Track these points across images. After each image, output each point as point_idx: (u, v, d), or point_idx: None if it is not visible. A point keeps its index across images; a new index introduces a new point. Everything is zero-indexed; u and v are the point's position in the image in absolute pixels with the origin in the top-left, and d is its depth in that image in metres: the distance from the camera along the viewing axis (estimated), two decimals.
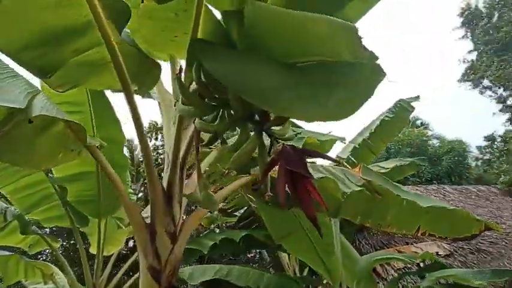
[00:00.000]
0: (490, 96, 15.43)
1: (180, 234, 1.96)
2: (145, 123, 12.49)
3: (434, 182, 11.79)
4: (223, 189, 2.32)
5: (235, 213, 5.35)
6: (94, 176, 3.48)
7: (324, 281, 4.71)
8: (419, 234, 3.18)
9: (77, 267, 6.48)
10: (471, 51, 16.03)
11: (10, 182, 3.36)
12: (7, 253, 3.74)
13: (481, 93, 15.63)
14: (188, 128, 2.09)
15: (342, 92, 1.05)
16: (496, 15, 14.67)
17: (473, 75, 15.08)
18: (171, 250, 1.86)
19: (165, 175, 2.10)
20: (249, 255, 10.56)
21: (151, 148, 12.48)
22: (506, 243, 6.59)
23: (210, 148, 2.84)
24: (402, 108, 5.89)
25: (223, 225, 8.22)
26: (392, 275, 5.24)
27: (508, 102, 14.42)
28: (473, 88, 15.71)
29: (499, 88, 14.53)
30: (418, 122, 18.69)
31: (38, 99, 1.65)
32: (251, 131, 1.51)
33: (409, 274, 4.99)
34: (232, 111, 1.57)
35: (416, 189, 7.95)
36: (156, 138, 12.93)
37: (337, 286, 3.46)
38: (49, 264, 4.03)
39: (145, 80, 1.64)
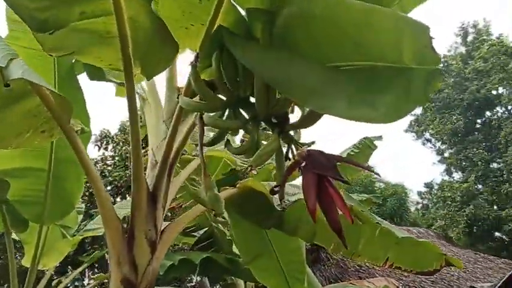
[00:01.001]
0: (431, 148, 17.23)
1: (159, 244, 1.71)
2: (97, 131, 11.61)
3: None
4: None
5: (193, 234, 5.02)
6: (44, 174, 3.02)
7: None
8: (386, 267, 3.21)
9: None
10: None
11: None
12: None
13: (423, 144, 17.40)
14: (182, 125, 1.92)
15: (393, 94, 1.01)
16: None
17: (417, 127, 16.78)
18: (150, 261, 1.61)
19: (150, 175, 1.87)
20: (188, 284, 9.90)
21: (99, 158, 11.53)
22: (444, 282, 7.03)
23: (194, 156, 2.64)
24: (365, 146, 6.18)
25: (170, 247, 7.62)
26: None
27: (445, 155, 16.18)
28: (417, 139, 17.44)
29: (438, 141, 16.34)
30: None
31: (17, 62, 1.40)
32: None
33: None
34: (244, 111, 1.47)
35: None
36: (106, 148, 11.98)
37: None
38: None
39: (159, 60, 1.47)
